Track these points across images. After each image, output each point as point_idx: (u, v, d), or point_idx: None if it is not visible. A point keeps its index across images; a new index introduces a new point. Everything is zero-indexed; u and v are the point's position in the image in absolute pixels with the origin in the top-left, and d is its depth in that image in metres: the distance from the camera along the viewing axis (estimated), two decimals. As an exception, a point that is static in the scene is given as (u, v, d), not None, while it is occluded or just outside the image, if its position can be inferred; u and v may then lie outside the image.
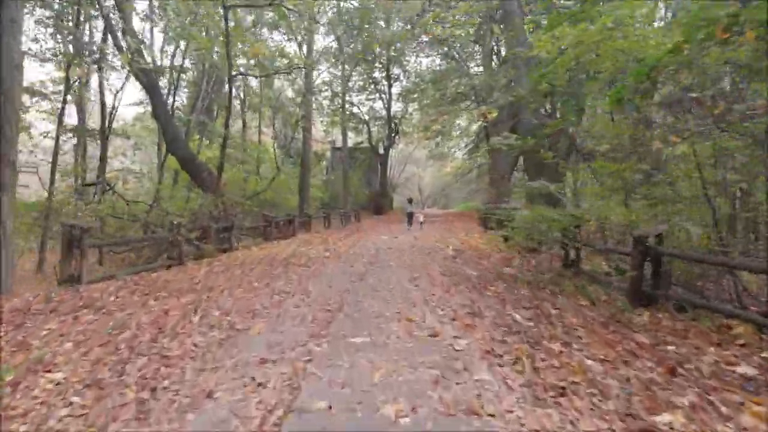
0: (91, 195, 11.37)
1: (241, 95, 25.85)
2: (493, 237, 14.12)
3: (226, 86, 25.42)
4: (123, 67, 11.88)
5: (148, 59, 14.30)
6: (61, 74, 13.85)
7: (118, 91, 15.92)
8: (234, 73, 10.04)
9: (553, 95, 8.78)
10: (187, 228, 8.40)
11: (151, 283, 6.66)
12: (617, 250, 5.97)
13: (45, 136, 13.43)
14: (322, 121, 31.64)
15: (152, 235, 9.24)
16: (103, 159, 11.27)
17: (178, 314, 4.76)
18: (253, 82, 23.45)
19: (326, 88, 29.54)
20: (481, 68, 29.33)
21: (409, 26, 23.69)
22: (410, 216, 18.33)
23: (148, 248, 9.51)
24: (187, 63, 24.25)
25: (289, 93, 16.46)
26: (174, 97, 16.72)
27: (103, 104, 12.04)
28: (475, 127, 37.05)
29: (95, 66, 11.64)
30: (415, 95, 31.59)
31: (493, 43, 26.20)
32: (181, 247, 8.27)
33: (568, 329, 4.14)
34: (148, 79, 12.03)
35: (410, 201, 20.22)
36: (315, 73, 24.46)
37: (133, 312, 4.87)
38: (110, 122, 13.73)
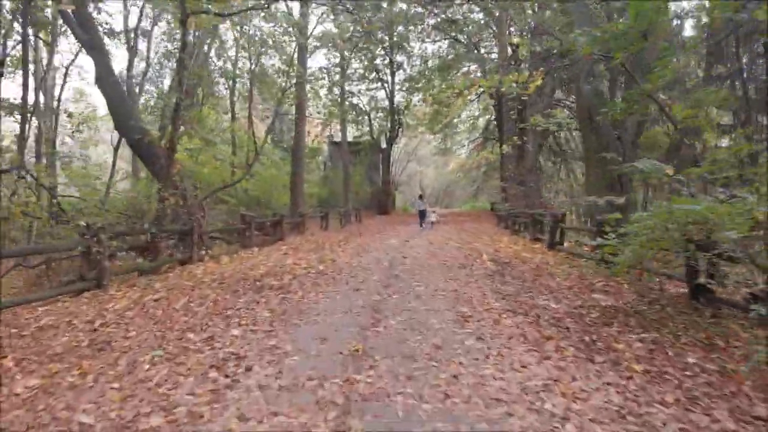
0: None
1: (230, 83, 23.12)
2: (526, 242, 11.38)
3: (213, 65, 22.79)
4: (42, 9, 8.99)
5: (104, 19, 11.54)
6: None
7: (69, 65, 13.20)
8: (189, 11, 7.22)
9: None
10: (109, 233, 5.59)
11: (7, 334, 3.86)
12: None
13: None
14: (319, 112, 28.84)
15: (41, 245, 6.42)
16: (21, 140, 8.46)
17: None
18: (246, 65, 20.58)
19: (323, 76, 26.76)
20: (493, 55, 26.66)
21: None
22: (422, 214, 15.53)
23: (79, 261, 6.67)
24: (170, 46, 21.49)
25: (277, 62, 13.71)
26: (131, 62, 13.84)
27: (24, 64, 9.18)
28: (482, 120, 34.42)
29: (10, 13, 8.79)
30: (420, 85, 28.85)
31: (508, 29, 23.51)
32: (101, 264, 5.47)
33: None
34: (90, 36, 9.23)
35: (421, 197, 17.39)
36: (309, 53, 21.63)
37: None
38: (59, 97, 10.95)
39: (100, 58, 9.32)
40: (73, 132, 10.56)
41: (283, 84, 12.21)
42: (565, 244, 9.65)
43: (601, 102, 8.53)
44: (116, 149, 11.14)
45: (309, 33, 16.09)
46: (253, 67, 12.45)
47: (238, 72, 19.89)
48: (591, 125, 8.58)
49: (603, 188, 8.18)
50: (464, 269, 7.04)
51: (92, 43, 9.27)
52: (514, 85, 7.86)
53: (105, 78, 9.12)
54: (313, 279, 6.12)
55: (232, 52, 19.98)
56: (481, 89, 21.61)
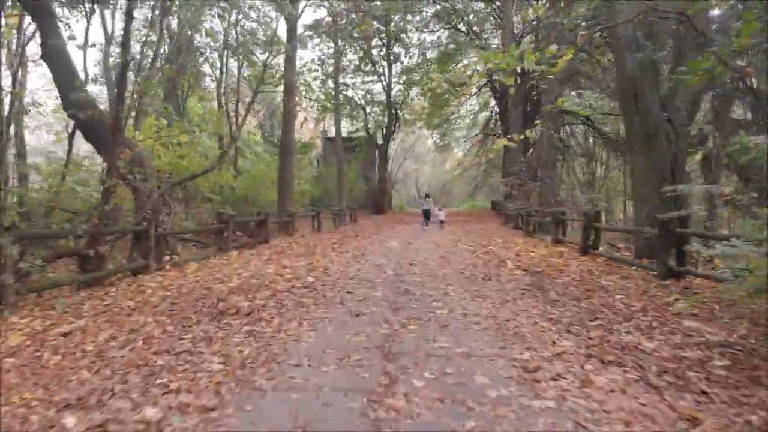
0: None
1: (217, 73, 21.64)
2: (547, 244, 9.96)
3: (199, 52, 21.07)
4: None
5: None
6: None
7: (25, 43, 11.56)
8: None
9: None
10: (13, 236, 4.03)
11: None
12: None
13: None
14: (312, 106, 27.25)
15: None
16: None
17: None
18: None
19: (317, 67, 25.20)
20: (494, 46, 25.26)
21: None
22: (426, 214, 14.11)
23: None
24: (153, 36, 19.73)
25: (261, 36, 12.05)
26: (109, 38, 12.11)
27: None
28: (482, 117, 33.00)
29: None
30: (418, 78, 27.37)
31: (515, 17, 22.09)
32: (3, 280, 3.92)
33: None
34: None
35: (427, 196, 15.98)
36: (300, 41, 20.02)
37: None
38: (14, 80, 9.31)
39: (48, 26, 7.69)
40: (14, 112, 8.90)
41: (267, 54, 10.56)
42: (600, 248, 8.26)
43: (647, 77, 7.11)
44: (72, 135, 9.54)
45: (300, 10, 14.47)
46: (230, 37, 10.78)
47: (224, 58, 18.28)
48: (635, 106, 7.15)
49: (654, 179, 6.75)
50: (490, 281, 5.58)
51: (38, 8, 7.66)
52: (537, 65, 6.35)
53: (53, 49, 7.49)
54: (297, 297, 4.61)
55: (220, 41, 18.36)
56: (485, 79, 20.18)
